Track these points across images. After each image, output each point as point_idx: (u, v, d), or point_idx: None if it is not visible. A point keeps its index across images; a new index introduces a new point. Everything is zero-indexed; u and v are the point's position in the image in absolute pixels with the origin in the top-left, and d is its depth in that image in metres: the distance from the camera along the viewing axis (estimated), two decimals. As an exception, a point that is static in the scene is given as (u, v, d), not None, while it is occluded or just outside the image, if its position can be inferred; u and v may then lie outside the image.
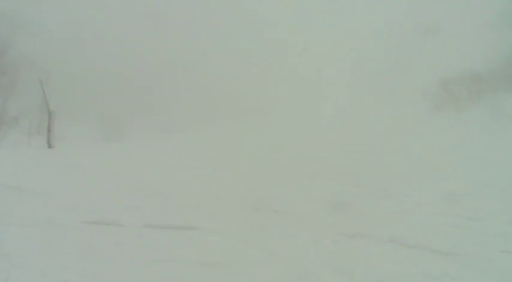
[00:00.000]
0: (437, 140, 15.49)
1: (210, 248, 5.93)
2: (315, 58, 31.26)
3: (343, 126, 20.28)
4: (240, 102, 29.79)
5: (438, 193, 9.22)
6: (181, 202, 8.57)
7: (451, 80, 22.24)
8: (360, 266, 5.39)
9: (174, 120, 29.66)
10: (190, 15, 34.86)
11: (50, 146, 18.95)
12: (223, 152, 15.45)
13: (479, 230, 6.91)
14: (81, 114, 30.14)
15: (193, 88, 32.45)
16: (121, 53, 32.98)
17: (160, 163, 13.19)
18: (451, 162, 12.11)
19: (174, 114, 30.93)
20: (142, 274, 5.09)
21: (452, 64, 23.30)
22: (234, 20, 33.23)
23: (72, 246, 5.76)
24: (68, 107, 26.19)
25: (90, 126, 28.86)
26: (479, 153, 13.24)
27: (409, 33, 29.25)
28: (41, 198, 8.29)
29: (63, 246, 5.73)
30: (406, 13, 30.36)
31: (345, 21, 31.86)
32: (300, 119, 24.54)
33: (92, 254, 5.48)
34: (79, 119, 29.35)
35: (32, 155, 14.91)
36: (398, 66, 28.37)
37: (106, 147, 19.00)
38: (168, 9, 33.83)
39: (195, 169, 12.31)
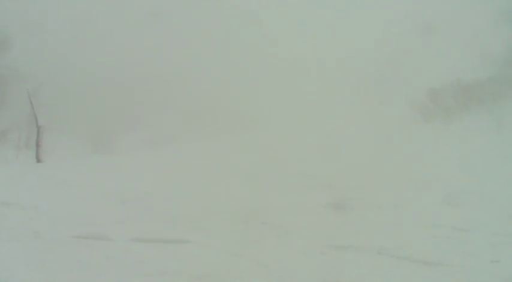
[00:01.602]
0: (426, 151, 15.57)
1: (201, 261, 5.89)
2: (303, 67, 31.35)
3: (332, 137, 20.31)
4: (230, 113, 29.78)
5: (427, 204, 9.27)
6: (171, 215, 8.52)
7: (438, 91, 22.41)
8: (349, 279, 5.38)
9: (164, 132, 29.54)
10: (180, 23, 34.91)
11: (38, 160, 18.86)
12: (212, 164, 15.41)
13: (469, 240, 6.94)
14: (70, 127, 29.92)
15: (182, 99, 32.40)
16: (110, 65, 32.92)
17: (149, 176, 13.14)
18: (440, 173, 12.17)
19: (163, 127, 30.82)
20: (131, 287, 5.05)
21: (440, 74, 23.50)
22: (227, 25, 33.35)
23: (60, 260, 5.68)
24: (57, 120, 26.03)
25: (79, 140, 28.70)
26: (468, 164, 13.32)
27: (395, 44, 29.55)
28: (29, 212, 8.20)
29: (51, 261, 5.65)
30: (395, 21, 30.64)
31: (333, 31, 32.07)
32: (288, 130, 24.56)
33: (80, 268, 5.41)
34: (68, 132, 29.13)
35: (20, 170, 14.79)
36: (385, 77, 28.58)
37: (95, 161, 18.89)
38: (156, 19, 34.01)
39: (184, 182, 12.27)
